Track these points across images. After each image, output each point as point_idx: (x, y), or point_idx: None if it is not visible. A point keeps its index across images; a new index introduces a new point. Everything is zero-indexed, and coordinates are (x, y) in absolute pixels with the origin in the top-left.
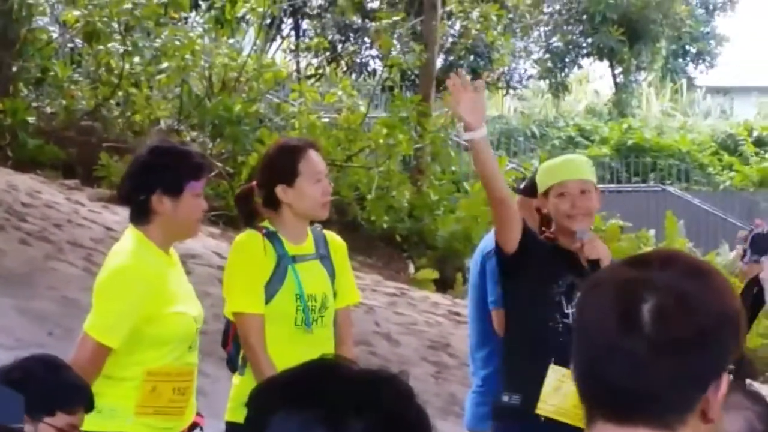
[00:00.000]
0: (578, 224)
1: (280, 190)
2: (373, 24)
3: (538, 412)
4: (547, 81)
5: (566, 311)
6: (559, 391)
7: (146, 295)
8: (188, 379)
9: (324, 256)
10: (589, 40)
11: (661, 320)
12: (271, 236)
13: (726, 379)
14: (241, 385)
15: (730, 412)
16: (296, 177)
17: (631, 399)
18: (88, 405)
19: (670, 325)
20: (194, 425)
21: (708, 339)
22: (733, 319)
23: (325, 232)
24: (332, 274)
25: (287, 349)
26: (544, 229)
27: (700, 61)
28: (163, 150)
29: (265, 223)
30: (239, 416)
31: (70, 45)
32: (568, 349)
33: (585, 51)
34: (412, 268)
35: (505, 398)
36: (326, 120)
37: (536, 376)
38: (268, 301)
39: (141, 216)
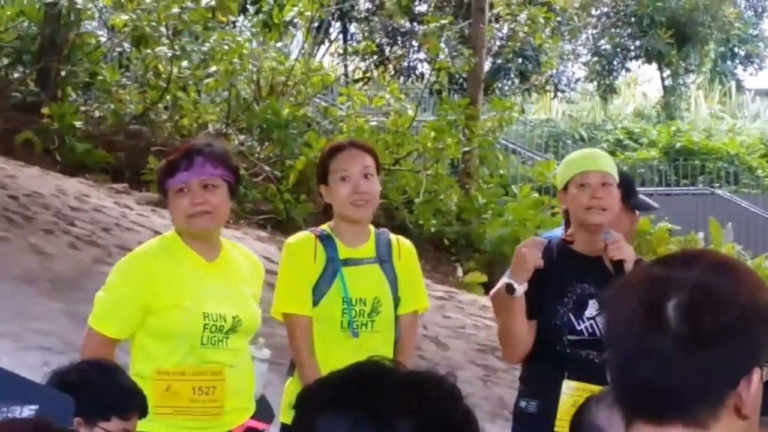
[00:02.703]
0: (597, 218)
1: (322, 190)
2: (421, 27)
3: (556, 430)
4: (595, 84)
5: (578, 327)
6: (574, 406)
7: (143, 285)
8: (214, 378)
9: (385, 261)
10: (638, 42)
11: (685, 317)
12: (325, 239)
13: (758, 374)
14: (291, 387)
15: None
16: (328, 176)
17: (662, 398)
18: (143, 410)
19: (695, 321)
20: (251, 430)
21: (734, 333)
22: (763, 312)
23: (393, 236)
24: (393, 280)
25: (334, 352)
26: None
27: (749, 63)
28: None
29: (324, 225)
30: (290, 417)
31: (118, 49)
32: (581, 363)
33: (633, 54)
34: (460, 272)
35: (523, 404)
36: (374, 123)
37: (551, 387)
38: (316, 303)
39: None
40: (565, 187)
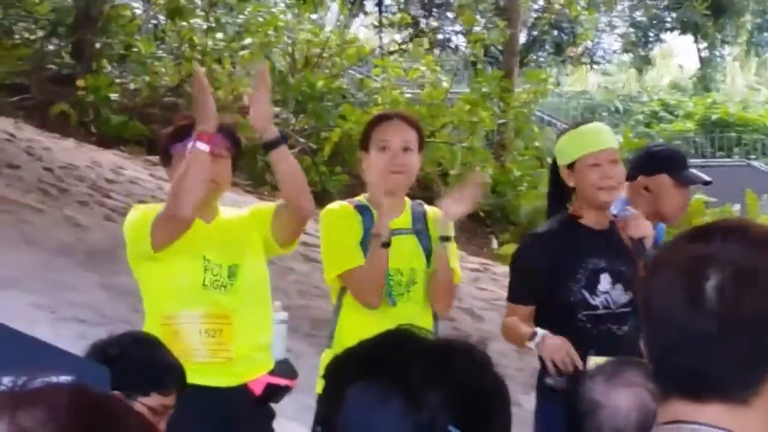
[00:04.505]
0: (610, 196)
1: (362, 156)
2: None
3: None
4: (631, 56)
5: (593, 303)
6: None
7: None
8: (221, 321)
9: (421, 231)
10: (674, 14)
11: (728, 298)
12: (362, 209)
13: None
14: (328, 359)
15: (623, 388)
16: (369, 144)
17: (705, 379)
18: (182, 386)
19: (738, 303)
20: (272, 387)
21: None
22: None
23: (428, 207)
24: (429, 250)
25: (372, 321)
26: (569, 206)
27: None
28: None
29: (360, 197)
30: None
31: (153, 21)
32: (604, 337)
33: (669, 25)
34: (495, 243)
35: (549, 381)
36: (409, 95)
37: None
38: None
39: None
40: (571, 164)
